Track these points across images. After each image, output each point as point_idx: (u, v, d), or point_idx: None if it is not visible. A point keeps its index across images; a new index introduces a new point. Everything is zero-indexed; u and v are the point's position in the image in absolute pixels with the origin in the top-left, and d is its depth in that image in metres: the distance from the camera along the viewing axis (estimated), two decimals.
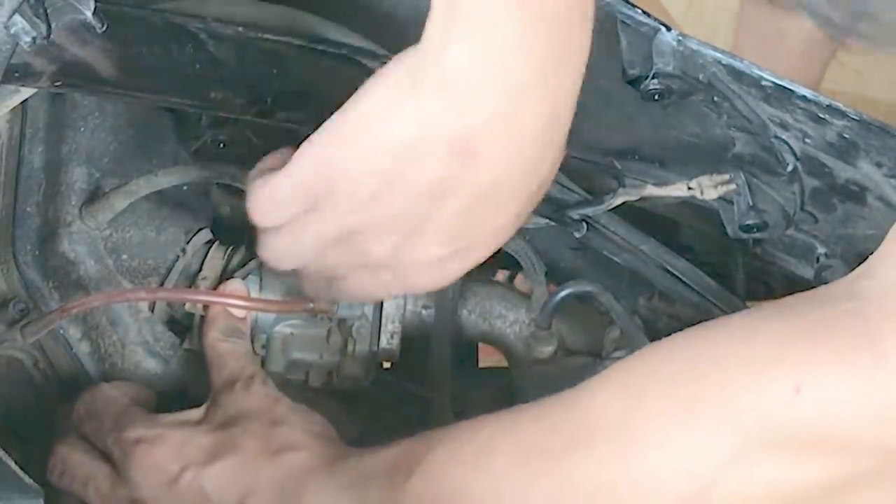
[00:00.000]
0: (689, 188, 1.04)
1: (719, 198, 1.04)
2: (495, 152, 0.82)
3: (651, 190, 1.05)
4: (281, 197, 0.89)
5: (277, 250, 0.93)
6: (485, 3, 0.78)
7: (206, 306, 1.09)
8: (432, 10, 0.79)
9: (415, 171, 0.83)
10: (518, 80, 0.80)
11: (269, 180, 0.90)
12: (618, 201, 1.05)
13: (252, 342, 1.11)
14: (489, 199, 0.85)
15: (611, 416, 0.82)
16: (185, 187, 1.16)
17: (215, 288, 1.13)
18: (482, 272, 1.16)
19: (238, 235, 1.21)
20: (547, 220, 1.10)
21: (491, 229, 0.88)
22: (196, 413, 1.01)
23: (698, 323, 1.25)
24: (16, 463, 0.85)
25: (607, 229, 1.10)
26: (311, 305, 1.06)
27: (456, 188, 0.83)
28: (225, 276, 1.16)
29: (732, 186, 1.03)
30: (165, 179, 1.11)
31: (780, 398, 0.76)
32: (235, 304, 1.06)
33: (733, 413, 0.77)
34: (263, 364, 1.11)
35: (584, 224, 1.09)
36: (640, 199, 1.05)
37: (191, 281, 1.15)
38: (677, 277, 1.13)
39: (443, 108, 0.80)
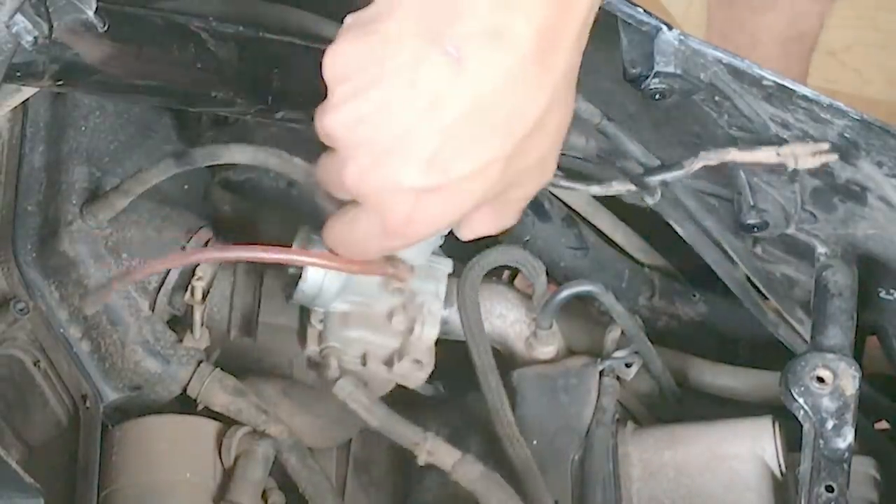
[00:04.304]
0: (779, 154, 0.99)
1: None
2: (483, 61, 0.78)
3: (735, 154, 1.00)
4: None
5: None
6: None
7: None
8: None
9: (398, 69, 0.79)
10: None
11: None
12: (698, 165, 1.01)
13: (309, 316, 1.07)
14: (476, 121, 0.79)
15: None
16: (185, 186, 1.16)
17: (207, 294, 1.13)
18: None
19: (237, 234, 1.22)
20: (627, 187, 1.07)
21: (477, 164, 0.81)
22: None
23: (700, 323, 1.27)
24: (16, 463, 0.85)
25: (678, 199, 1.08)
26: (390, 270, 1.00)
27: (441, 101, 0.78)
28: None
29: (834, 157, 0.99)
30: (155, 175, 1.10)
31: None
32: (317, 262, 0.97)
33: None
34: (321, 339, 1.06)
35: (659, 191, 1.06)
36: (720, 163, 1.01)
37: (188, 278, 1.16)
38: (730, 258, 1.12)
39: (438, 7, 0.78)
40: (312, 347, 1.07)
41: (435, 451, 1.06)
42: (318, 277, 1.02)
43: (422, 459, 1.06)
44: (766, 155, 1.00)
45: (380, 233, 0.85)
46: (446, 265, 1.10)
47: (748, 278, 1.14)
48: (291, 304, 1.05)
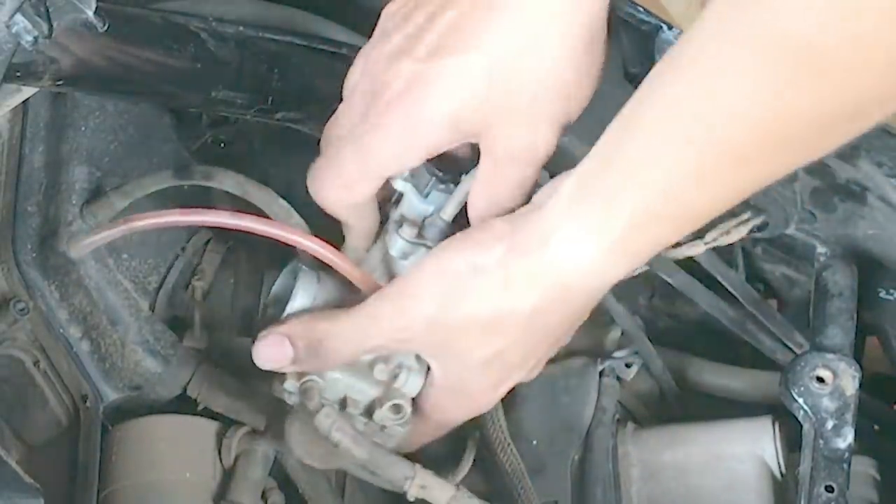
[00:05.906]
0: (706, 243, 1.04)
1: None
2: None
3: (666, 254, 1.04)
4: None
5: None
6: None
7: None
8: None
9: None
10: None
11: None
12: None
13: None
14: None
15: None
16: (185, 187, 1.16)
17: (207, 294, 1.13)
18: None
19: (236, 236, 1.21)
20: None
21: (463, 59, 0.89)
22: None
23: (698, 323, 1.27)
24: (16, 463, 0.86)
25: None
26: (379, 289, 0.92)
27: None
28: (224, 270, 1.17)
29: (759, 219, 1.03)
30: (153, 183, 1.11)
31: None
32: (315, 247, 0.92)
33: None
34: (300, 375, 0.96)
35: None
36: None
37: (188, 278, 1.16)
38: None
39: None
40: (291, 382, 0.96)
41: (427, 485, 0.99)
42: (305, 303, 0.95)
43: (412, 494, 0.99)
44: (692, 248, 1.04)
45: (360, 121, 0.90)
46: None
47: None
48: None
